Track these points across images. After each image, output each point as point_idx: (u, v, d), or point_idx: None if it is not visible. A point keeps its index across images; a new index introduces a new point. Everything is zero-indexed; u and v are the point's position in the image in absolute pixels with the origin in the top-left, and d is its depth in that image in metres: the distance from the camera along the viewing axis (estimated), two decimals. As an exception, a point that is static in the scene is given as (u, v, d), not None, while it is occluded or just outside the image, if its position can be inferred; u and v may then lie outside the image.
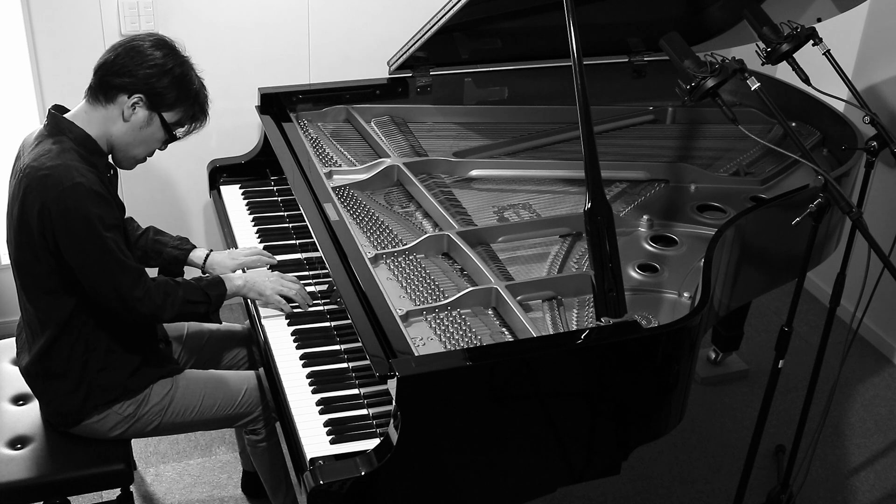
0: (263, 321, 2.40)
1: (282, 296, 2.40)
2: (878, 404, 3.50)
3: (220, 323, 2.40)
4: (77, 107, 2.23)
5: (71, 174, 2.10)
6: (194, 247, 2.60)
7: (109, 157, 2.27)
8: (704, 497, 3.03)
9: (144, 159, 2.31)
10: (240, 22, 3.40)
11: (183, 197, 3.59)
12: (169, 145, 2.31)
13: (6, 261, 3.43)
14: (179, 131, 2.29)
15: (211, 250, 2.60)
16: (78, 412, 2.31)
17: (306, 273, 2.56)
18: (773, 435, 3.25)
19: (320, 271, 2.48)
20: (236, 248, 2.65)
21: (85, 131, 2.20)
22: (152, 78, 2.17)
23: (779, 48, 2.55)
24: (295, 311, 2.41)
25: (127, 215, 2.43)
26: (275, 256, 2.60)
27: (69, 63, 3.23)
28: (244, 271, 2.53)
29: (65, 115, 2.22)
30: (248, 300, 2.48)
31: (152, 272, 2.39)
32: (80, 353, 2.27)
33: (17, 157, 2.25)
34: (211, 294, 2.33)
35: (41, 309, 2.25)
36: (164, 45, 2.23)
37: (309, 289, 2.48)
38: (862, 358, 3.72)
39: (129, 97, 2.18)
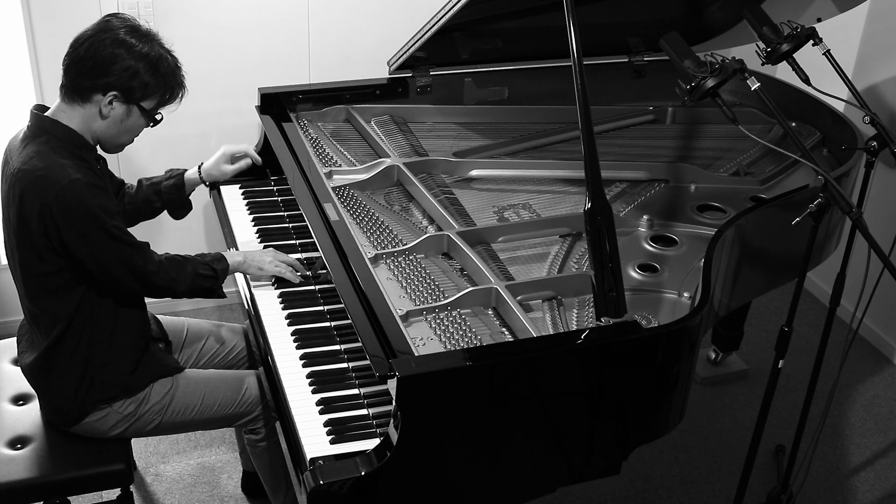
0: (264, 321, 2.40)
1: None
2: (878, 404, 3.50)
3: (225, 297, 2.45)
4: (55, 104, 2.22)
5: (66, 172, 2.10)
6: (185, 169, 2.68)
7: (98, 147, 2.27)
8: (704, 497, 3.03)
9: (132, 141, 2.32)
10: (240, 22, 3.40)
11: (183, 197, 3.58)
12: (155, 126, 2.31)
13: (6, 261, 3.43)
14: (161, 111, 2.28)
15: (200, 164, 2.72)
16: (79, 409, 2.31)
17: (306, 273, 2.56)
18: (773, 435, 3.25)
19: (319, 271, 2.48)
20: (237, 248, 2.66)
21: (69, 127, 2.19)
22: (125, 73, 2.15)
23: (779, 48, 2.55)
24: (297, 280, 2.50)
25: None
26: (258, 158, 2.77)
27: (69, 63, 3.22)
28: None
29: (46, 114, 2.21)
30: (249, 294, 2.50)
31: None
32: (84, 348, 2.28)
33: (5, 161, 2.25)
34: (216, 268, 2.40)
35: (47, 309, 2.26)
36: (132, 32, 2.18)
37: (309, 288, 2.49)
38: (862, 358, 3.72)
39: (103, 95, 2.16)
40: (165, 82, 2.22)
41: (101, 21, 2.21)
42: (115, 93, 2.16)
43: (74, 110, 2.19)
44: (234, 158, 2.76)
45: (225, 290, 2.44)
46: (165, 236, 3.59)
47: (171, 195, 2.64)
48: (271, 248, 2.57)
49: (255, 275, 2.50)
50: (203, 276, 2.38)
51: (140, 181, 2.65)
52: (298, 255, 2.59)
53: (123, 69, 2.15)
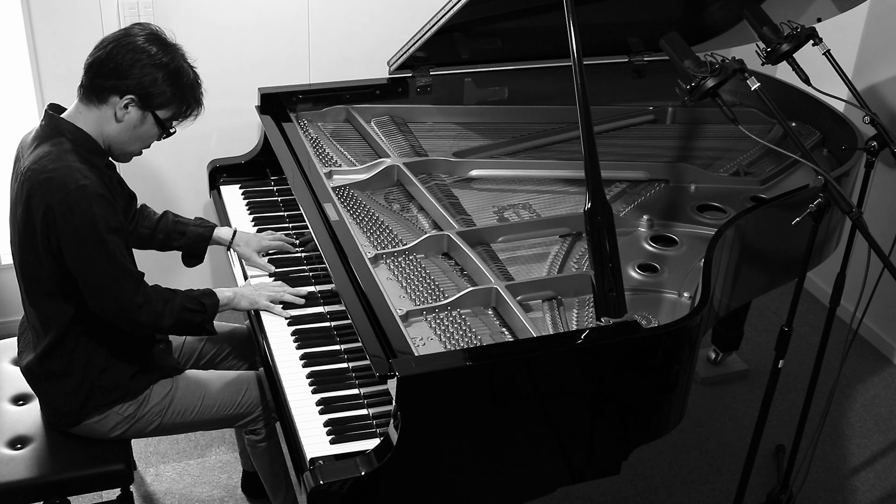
0: (264, 321, 2.40)
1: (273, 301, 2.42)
2: (878, 404, 3.50)
3: (215, 334, 2.41)
4: (72, 106, 2.22)
5: (74, 176, 2.09)
6: (216, 224, 2.64)
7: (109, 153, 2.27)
8: (704, 497, 3.03)
9: (140, 153, 2.31)
10: (240, 22, 3.40)
11: (183, 197, 3.58)
12: (167, 138, 2.30)
13: (7, 261, 3.43)
14: (175, 124, 2.28)
15: (236, 229, 2.66)
16: (78, 412, 2.31)
17: (306, 273, 2.56)
18: (773, 435, 3.25)
19: (320, 272, 2.48)
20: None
21: (84, 131, 2.18)
22: (144, 78, 2.15)
23: (779, 48, 2.55)
24: (292, 312, 2.41)
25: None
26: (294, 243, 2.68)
27: (69, 63, 3.22)
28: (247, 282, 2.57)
29: (62, 115, 2.21)
30: None
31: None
32: (82, 355, 2.27)
33: (17, 159, 2.25)
34: (206, 303, 2.33)
35: (43, 311, 2.25)
36: (156, 41, 2.19)
37: (310, 289, 2.49)
38: (862, 358, 3.72)
39: (120, 98, 2.16)
40: (183, 94, 2.21)
41: (127, 27, 2.22)
42: (132, 96, 2.15)
43: (90, 112, 2.18)
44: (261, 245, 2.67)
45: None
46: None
47: (195, 243, 2.62)
48: (261, 283, 2.47)
49: (246, 309, 2.44)
50: (191, 311, 2.30)
51: (166, 212, 2.63)
52: (310, 285, 2.52)
53: (145, 74, 2.14)
